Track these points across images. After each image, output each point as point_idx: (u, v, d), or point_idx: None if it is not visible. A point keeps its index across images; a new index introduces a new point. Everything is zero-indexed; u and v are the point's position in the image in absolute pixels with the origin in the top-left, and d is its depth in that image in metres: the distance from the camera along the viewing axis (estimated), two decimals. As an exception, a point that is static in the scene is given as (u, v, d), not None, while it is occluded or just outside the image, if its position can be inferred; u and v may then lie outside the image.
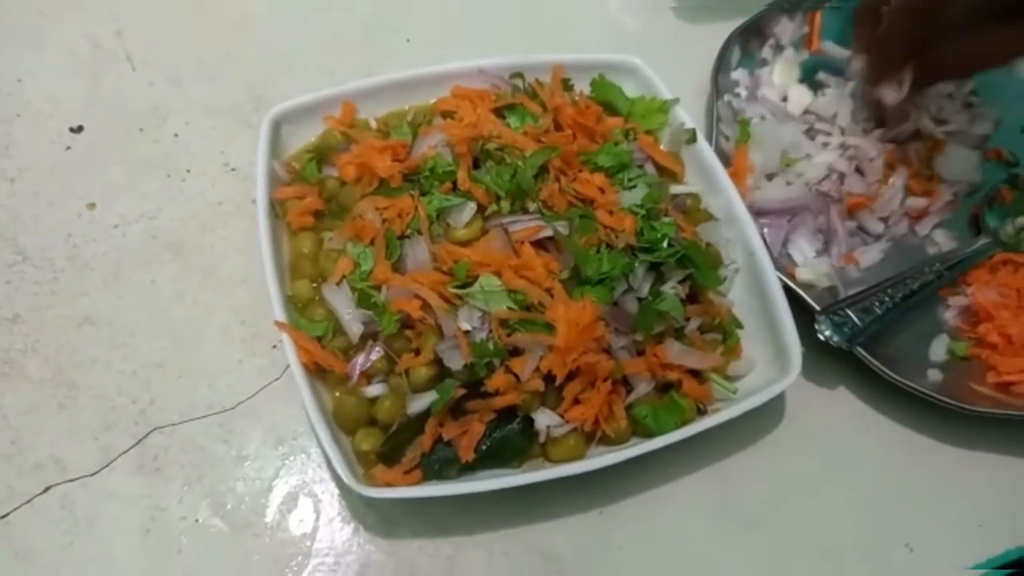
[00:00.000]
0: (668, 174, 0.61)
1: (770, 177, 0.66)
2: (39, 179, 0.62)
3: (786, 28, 0.72)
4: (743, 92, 0.69)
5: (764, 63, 0.72)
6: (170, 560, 0.49)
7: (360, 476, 0.48)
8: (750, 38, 0.71)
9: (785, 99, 0.70)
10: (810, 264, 0.62)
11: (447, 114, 0.60)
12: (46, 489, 0.51)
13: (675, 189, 0.59)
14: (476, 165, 0.56)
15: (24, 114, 0.64)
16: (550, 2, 0.77)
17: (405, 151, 0.56)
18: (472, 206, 0.53)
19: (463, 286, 0.49)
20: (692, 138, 0.62)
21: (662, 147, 0.63)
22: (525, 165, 0.53)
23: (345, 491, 0.51)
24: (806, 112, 0.70)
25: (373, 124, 0.61)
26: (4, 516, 0.50)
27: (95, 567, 0.49)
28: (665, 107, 0.63)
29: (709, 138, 0.64)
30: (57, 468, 0.51)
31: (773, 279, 0.56)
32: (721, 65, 0.68)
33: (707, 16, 0.76)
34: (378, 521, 0.51)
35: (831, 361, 0.58)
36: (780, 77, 0.71)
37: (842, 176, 0.66)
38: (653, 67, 0.65)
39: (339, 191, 0.56)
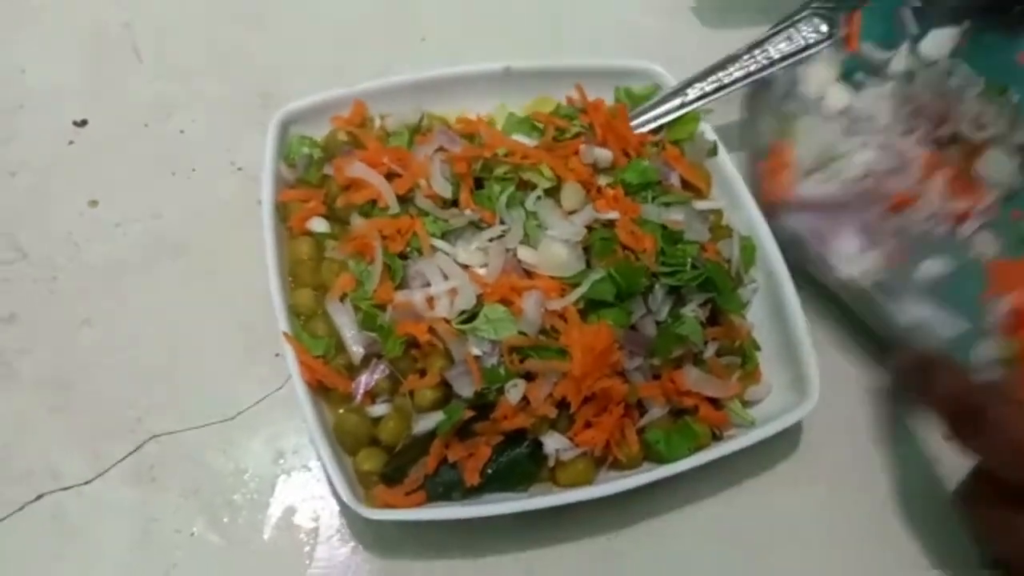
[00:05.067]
0: (693, 190, 0.59)
1: (809, 174, 0.63)
2: (41, 174, 0.60)
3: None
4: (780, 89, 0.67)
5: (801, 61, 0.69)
6: (163, 574, 0.48)
7: (361, 496, 0.47)
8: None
9: (822, 98, 0.68)
10: (849, 264, 0.59)
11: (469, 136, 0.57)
12: (38, 497, 0.49)
13: (699, 205, 0.57)
14: (480, 183, 0.54)
15: (27, 105, 0.63)
16: (569, 3, 0.75)
17: (402, 162, 0.54)
18: (488, 232, 0.51)
19: (470, 317, 0.47)
20: (713, 151, 0.60)
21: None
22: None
23: (345, 509, 0.49)
24: (844, 111, 0.67)
25: (378, 122, 0.59)
26: (-5, 524, 0.48)
27: (86, 580, 0.47)
28: (696, 116, 0.61)
29: (742, 136, 0.62)
30: (50, 475, 0.50)
31: (793, 299, 0.54)
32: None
33: (730, 20, 0.73)
34: (378, 542, 0.50)
35: (854, 382, 0.57)
36: (818, 74, 0.69)
37: (882, 176, 0.63)
38: (674, 73, 0.62)
39: (340, 196, 0.54)
